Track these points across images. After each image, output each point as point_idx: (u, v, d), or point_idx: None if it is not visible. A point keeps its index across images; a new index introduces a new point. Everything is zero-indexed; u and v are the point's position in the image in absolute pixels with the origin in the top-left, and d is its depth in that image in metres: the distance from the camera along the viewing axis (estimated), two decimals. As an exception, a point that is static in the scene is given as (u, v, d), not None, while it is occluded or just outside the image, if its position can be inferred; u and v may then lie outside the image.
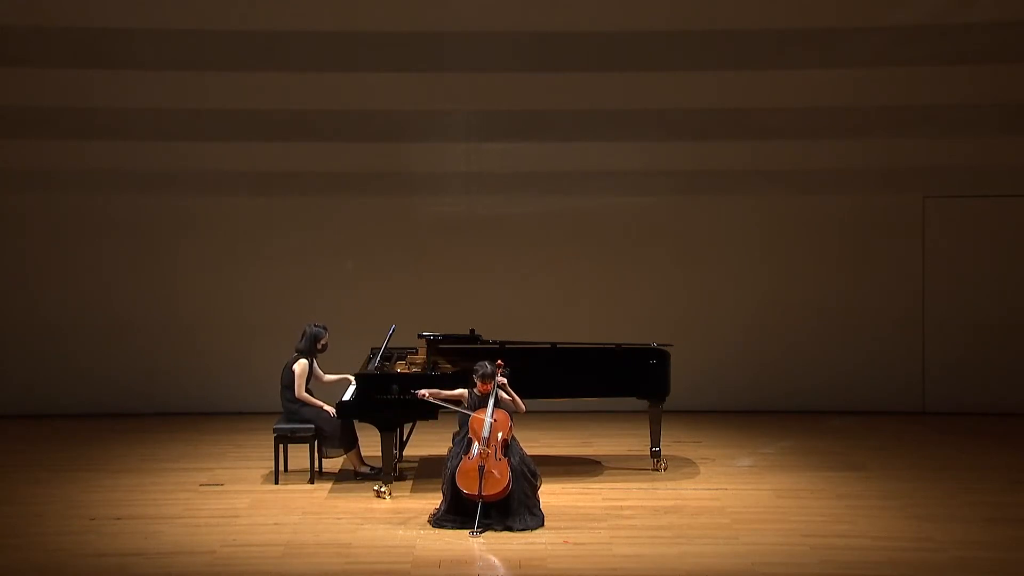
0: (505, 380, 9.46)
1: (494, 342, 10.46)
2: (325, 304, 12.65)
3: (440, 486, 9.32)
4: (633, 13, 12.60)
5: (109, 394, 13.13)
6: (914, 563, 8.32)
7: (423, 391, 9.60)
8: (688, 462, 11.02)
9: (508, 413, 9.34)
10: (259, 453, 11.18)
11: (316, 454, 10.41)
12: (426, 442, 11.14)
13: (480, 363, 9.42)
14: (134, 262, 13.19)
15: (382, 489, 9.92)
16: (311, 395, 10.47)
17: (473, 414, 9.33)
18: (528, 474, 9.19)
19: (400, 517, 9.34)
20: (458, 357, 10.37)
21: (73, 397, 13.11)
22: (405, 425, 10.62)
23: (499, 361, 9.57)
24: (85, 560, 8.47)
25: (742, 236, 13.25)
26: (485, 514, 8.99)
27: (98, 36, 12.55)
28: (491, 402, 9.31)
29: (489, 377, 9.36)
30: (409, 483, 10.33)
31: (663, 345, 10.63)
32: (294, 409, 10.40)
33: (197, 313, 13.21)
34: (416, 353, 10.92)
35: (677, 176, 13.16)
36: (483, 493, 8.98)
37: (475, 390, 9.45)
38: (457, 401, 9.58)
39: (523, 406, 9.50)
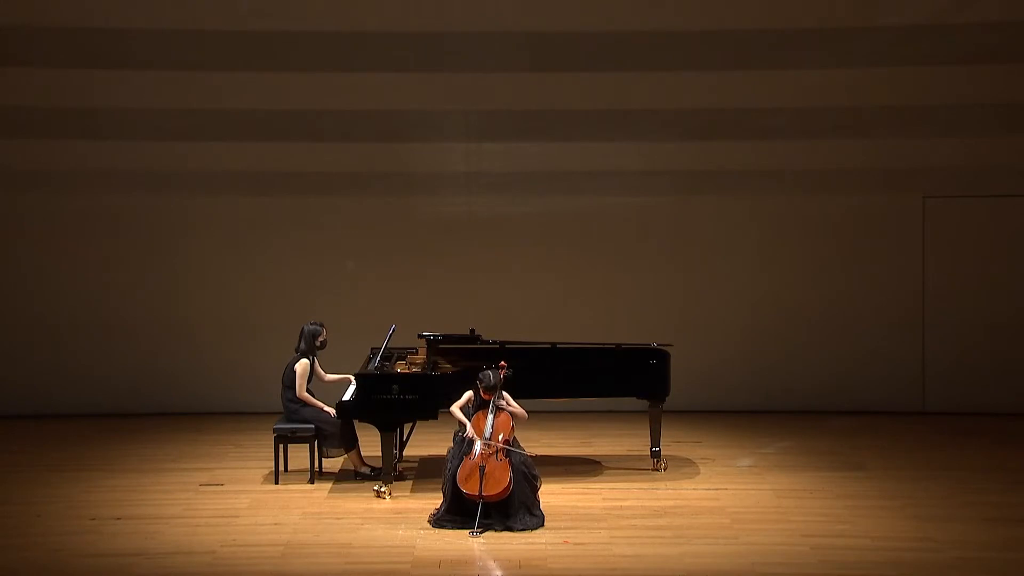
0: (509, 396, 9.46)
1: (494, 342, 10.45)
2: (325, 304, 12.62)
3: (440, 486, 9.33)
4: (633, 13, 12.57)
5: (109, 394, 13.11)
6: (914, 563, 8.33)
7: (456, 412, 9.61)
8: (688, 462, 11.01)
9: (510, 415, 9.36)
10: (259, 453, 11.18)
11: (316, 454, 10.41)
12: (426, 442, 11.14)
13: (485, 372, 9.41)
14: (134, 262, 13.17)
15: (382, 489, 9.92)
16: (312, 395, 10.48)
17: (475, 415, 9.35)
18: (528, 475, 9.20)
19: (400, 517, 9.35)
20: (458, 357, 10.37)
21: (73, 397, 13.10)
22: (405, 425, 10.64)
23: (502, 363, 9.57)
24: (85, 560, 8.48)
25: (742, 236, 13.23)
26: (485, 514, 8.99)
27: (98, 36, 12.53)
28: (492, 406, 9.33)
29: (491, 389, 9.36)
30: (409, 483, 10.34)
31: (663, 345, 10.63)
32: (294, 409, 10.40)
33: (197, 313, 13.19)
34: (416, 353, 10.93)
35: (677, 176, 13.14)
36: (484, 493, 8.99)
37: (480, 392, 9.46)
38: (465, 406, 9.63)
39: (525, 415, 9.51)
